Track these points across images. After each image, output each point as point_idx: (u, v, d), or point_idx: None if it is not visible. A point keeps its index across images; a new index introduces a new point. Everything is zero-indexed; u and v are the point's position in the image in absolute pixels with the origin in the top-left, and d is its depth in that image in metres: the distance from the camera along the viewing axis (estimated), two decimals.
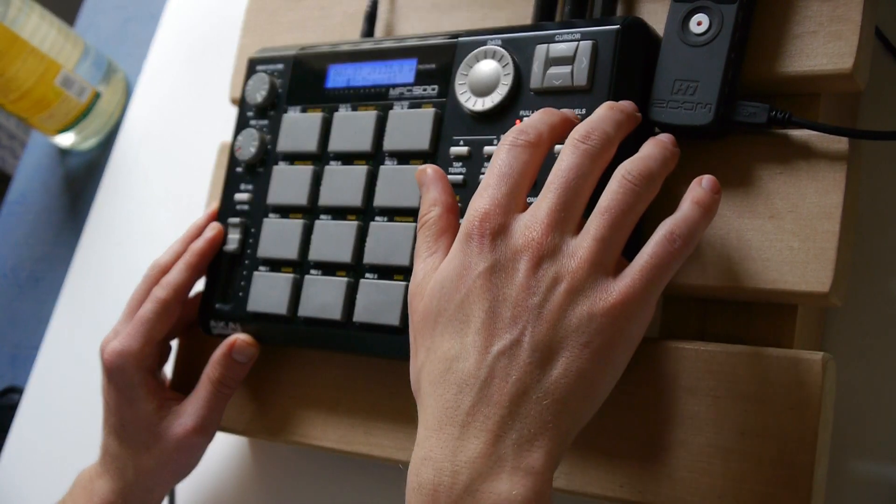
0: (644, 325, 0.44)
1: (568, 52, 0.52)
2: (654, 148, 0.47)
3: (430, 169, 0.51)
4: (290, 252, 0.60)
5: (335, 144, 0.60)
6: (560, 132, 0.48)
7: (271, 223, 0.61)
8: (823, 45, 0.49)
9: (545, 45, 0.53)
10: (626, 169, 0.45)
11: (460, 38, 0.56)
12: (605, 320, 0.43)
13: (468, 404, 0.42)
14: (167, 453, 0.60)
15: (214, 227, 0.63)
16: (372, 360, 0.59)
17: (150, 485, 0.62)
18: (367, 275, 0.56)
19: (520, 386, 0.42)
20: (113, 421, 0.62)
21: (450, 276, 0.45)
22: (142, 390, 0.61)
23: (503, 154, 0.46)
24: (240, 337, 0.61)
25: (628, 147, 0.51)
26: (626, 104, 0.49)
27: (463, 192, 0.54)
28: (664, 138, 0.48)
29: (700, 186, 0.46)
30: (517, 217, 0.45)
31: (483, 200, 0.45)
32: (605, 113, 0.47)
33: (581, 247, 0.44)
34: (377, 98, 0.59)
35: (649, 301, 0.44)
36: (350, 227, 0.58)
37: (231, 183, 0.64)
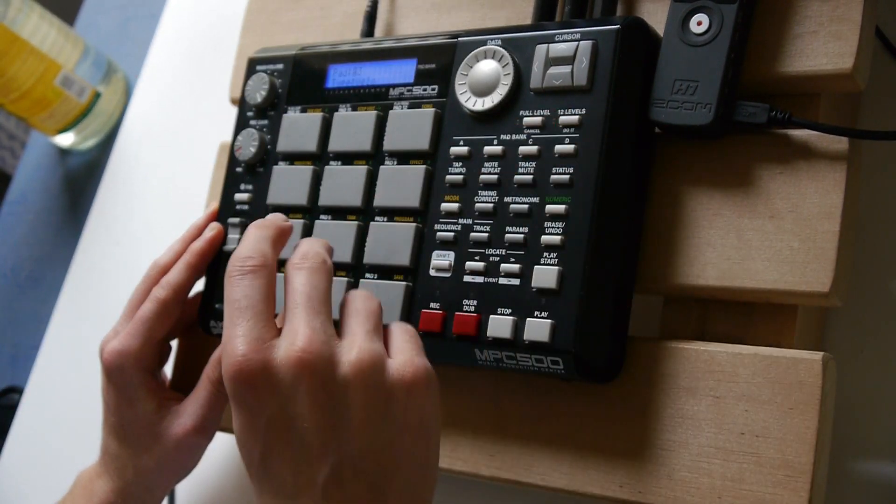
0: (436, 382, 0.45)
1: (568, 51, 0.52)
2: (261, 233, 0.48)
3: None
4: (290, 252, 0.59)
5: (335, 144, 0.60)
6: (280, 242, 0.49)
7: None
8: (823, 45, 0.49)
9: (545, 45, 0.53)
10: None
11: (460, 38, 0.56)
12: (408, 400, 0.43)
13: None
14: (167, 453, 0.60)
15: (214, 227, 0.63)
16: None
17: (149, 485, 0.62)
18: (367, 275, 0.56)
19: (357, 502, 0.41)
20: (112, 421, 0.62)
21: (241, 436, 0.44)
22: (141, 390, 0.61)
23: (234, 286, 0.45)
24: None
25: (637, 155, 0.51)
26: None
27: (463, 192, 0.54)
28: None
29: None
30: (275, 345, 0.43)
31: (234, 345, 0.43)
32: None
33: (351, 343, 0.43)
34: (377, 98, 0.59)
35: (426, 363, 0.45)
36: (350, 227, 0.58)
37: (231, 183, 0.64)
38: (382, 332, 0.46)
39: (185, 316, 0.64)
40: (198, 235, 0.63)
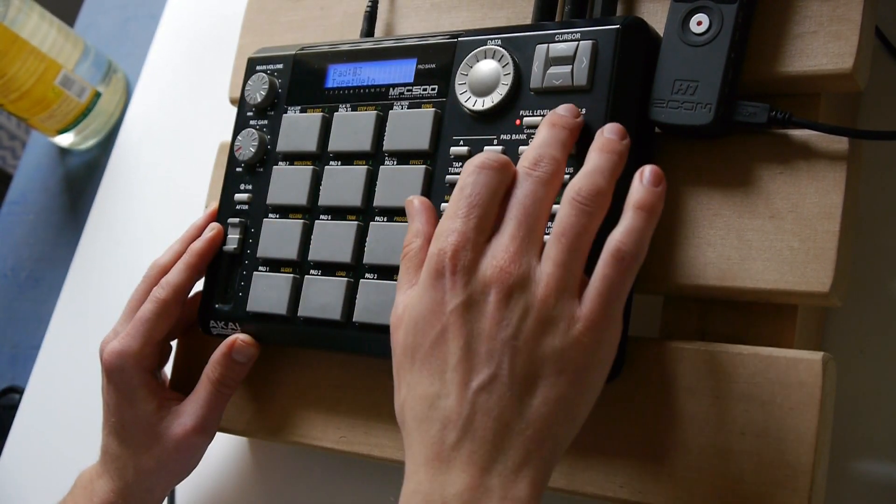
0: (614, 343, 0.45)
1: (568, 51, 0.52)
2: (599, 158, 0.47)
3: (416, 200, 0.51)
4: (290, 252, 0.59)
5: (335, 144, 0.60)
6: (573, 140, 0.49)
7: (271, 223, 0.61)
8: (823, 45, 0.49)
9: (545, 45, 0.53)
10: (576, 189, 0.45)
11: (460, 38, 0.56)
12: (575, 348, 0.44)
13: (453, 440, 0.43)
14: (167, 453, 0.60)
15: (214, 228, 0.63)
16: (372, 360, 0.59)
17: (149, 485, 0.62)
18: (367, 275, 0.56)
19: (502, 420, 0.43)
20: (113, 421, 0.62)
21: (423, 313, 0.45)
22: (141, 391, 0.61)
23: (471, 178, 0.47)
24: (239, 337, 0.61)
25: (637, 155, 0.51)
26: (567, 113, 0.49)
27: None
28: (611, 136, 0.48)
29: (641, 184, 0.46)
30: (484, 249, 0.45)
31: (452, 234, 0.46)
32: (549, 134, 0.48)
33: (545, 273, 0.44)
34: (377, 98, 0.59)
35: (613, 320, 0.45)
36: (350, 227, 0.58)
37: (231, 183, 0.64)
38: (588, 249, 0.46)
39: (185, 316, 0.65)
40: (197, 236, 0.64)
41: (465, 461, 0.42)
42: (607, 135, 0.48)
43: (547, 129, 0.48)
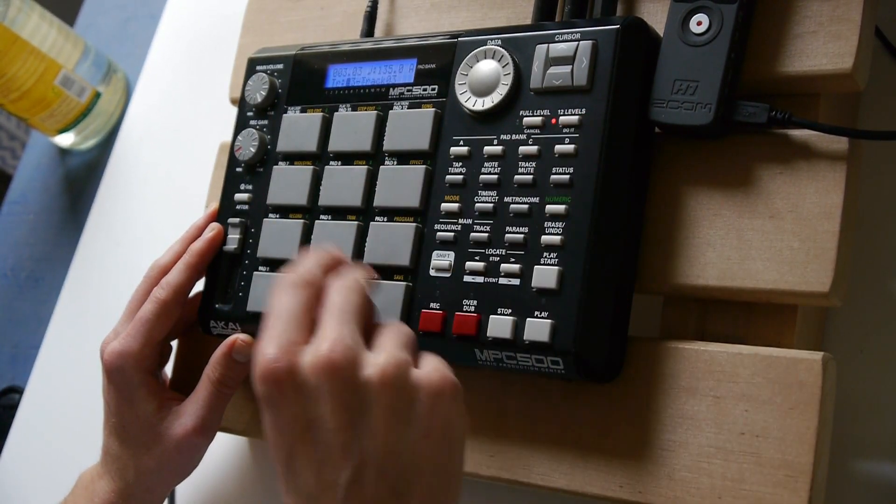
0: (459, 388, 0.45)
1: (568, 51, 0.52)
2: (317, 258, 0.48)
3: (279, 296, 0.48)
4: (290, 252, 0.59)
5: (335, 144, 0.60)
6: (334, 270, 0.49)
7: (271, 223, 0.61)
8: (823, 45, 0.49)
9: (545, 45, 0.53)
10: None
11: (460, 38, 0.56)
12: (433, 406, 0.43)
13: None
14: (168, 454, 0.60)
15: (214, 228, 0.63)
16: None
17: (150, 485, 0.62)
18: None
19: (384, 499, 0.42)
20: (114, 422, 0.62)
21: (269, 436, 0.44)
22: (142, 391, 0.61)
23: (278, 296, 0.46)
24: (240, 337, 0.61)
25: (637, 155, 0.51)
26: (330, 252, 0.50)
27: (463, 191, 0.54)
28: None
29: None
30: (303, 350, 0.44)
31: (266, 347, 0.44)
32: (314, 257, 0.48)
33: (378, 352, 0.44)
34: (377, 98, 0.59)
35: (448, 371, 0.45)
36: (350, 227, 0.58)
37: (231, 183, 0.64)
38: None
39: (186, 316, 0.64)
40: (198, 236, 0.64)
41: None
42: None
43: (314, 254, 0.49)
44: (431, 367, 0.44)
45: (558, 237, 0.50)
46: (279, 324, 0.45)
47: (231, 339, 0.61)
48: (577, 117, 0.51)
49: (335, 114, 0.60)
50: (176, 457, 0.61)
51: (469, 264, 0.53)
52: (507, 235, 0.52)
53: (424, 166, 0.55)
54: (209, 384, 0.61)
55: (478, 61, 0.55)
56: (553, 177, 0.51)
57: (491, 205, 0.53)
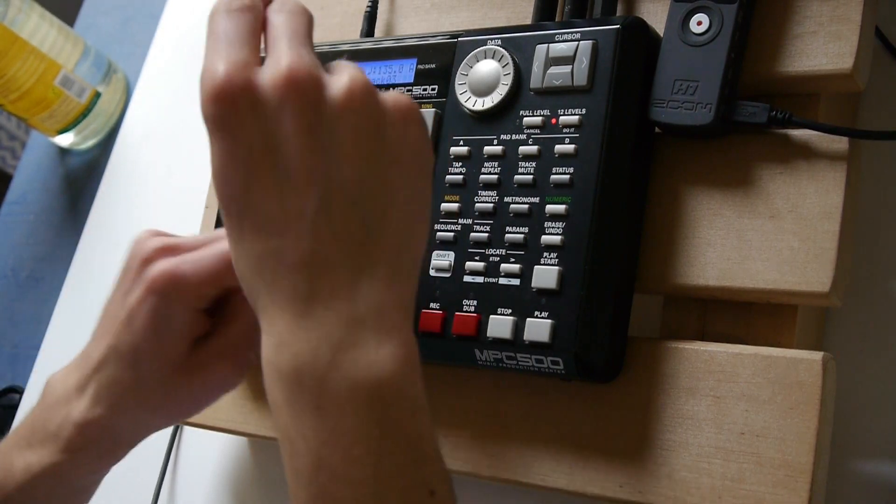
0: (423, 120, 0.41)
1: (568, 51, 0.52)
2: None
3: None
4: None
5: None
6: None
7: None
8: (823, 45, 0.49)
9: (545, 45, 0.53)
10: (276, 5, 0.42)
11: (460, 38, 0.56)
12: (403, 130, 0.39)
13: (307, 283, 0.38)
14: (188, 393, 0.50)
15: None
16: None
17: (148, 421, 0.52)
18: None
19: (351, 242, 0.38)
20: (129, 341, 0.49)
21: (220, 167, 0.39)
22: (182, 327, 0.49)
23: (219, 20, 0.41)
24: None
25: (637, 155, 0.51)
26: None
27: (463, 192, 0.54)
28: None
29: None
30: (259, 69, 0.39)
31: (214, 67, 0.39)
32: None
33: (341, 68, 0.39)
34: None
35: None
36: None
37: None
38: None
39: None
40: None
41: (325, 298, 0.37)
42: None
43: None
44: (396, 93, 0.40)
45: (558, 237, 0.50)
46: (224, 44, 0.40)
47: None
48: (577, 117, 0.51)
49: None
50: (196, 396, 0.51)
51: (469, 264, 0.53)
52: (507, 235, 0.52)
53: None
54: (244, 313, 0.50)
55: (478, 61, 0.55)
56: (553, 177, 0.51)
57: (491, 205, 0.53)
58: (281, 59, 0.39)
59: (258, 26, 0.41)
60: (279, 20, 0.41)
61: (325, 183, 0.38)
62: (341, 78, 0.39)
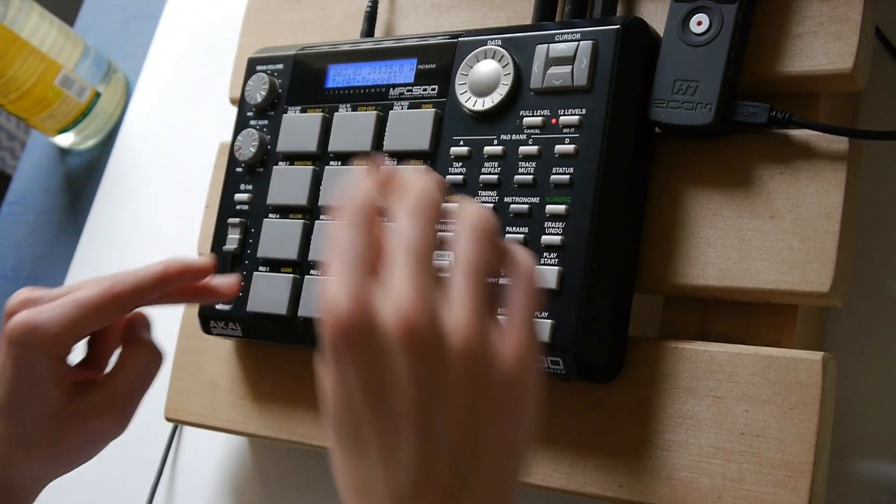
0: (539, 365, 0.41)
1: (568, 51, 0.52)
2: (373, 181, 0.42)
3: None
4: (290, 252, 0.59)
5: (335, 144, 0.60)
6: (390, 189, 0.43)
7: (271, 223, 0.61)
8: (823, 45, 0.49)
9: (545, 45, 0.53)
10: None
11: (460, 38, 0.56)
12: (506, 386, 0.39)
13: None
14: (72, 443, 0.52)
15: (208, 257, 0.55)
16: None
17: (35, 474, 0.53)
18: None
19: (445, 496, 0.38)
20: (2, 397, 0.51)
21: (333, 397, 0.40)
22: (47, 375, 0.51)
23: (340, 233, 0.41)
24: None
25: (637, 155, 0.51)
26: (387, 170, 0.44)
27: (463, 192, 0.54)
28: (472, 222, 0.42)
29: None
30: (379, 306, 0.38)
31: (338, 298, 0.38)
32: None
33: (457, 313, 0.39)
34: (377, 98, 0.59)
35: (536, 341, 0.41)
36: None
37: (231, 183, 0.64)
38: (496, 296, 0.41)
39: (131, 333, 0.56)
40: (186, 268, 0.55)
41: None
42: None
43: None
44: (515, 344, 0.40)
45: (558, 237, 0.50)
46: (347, 267, 0.39)
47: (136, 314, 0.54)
48: (577, 117, 0.51)
49: (335, 114, 0.60)
50: (81, 446, 0.53)
51: None
52: (507, 235, 0.52)
53: (424, 166, 0.55)
54: (130, 368, 0.52)
55: (478, 61, 0.55)
56: (553, 177, 0.51)
57: (491, 205, 0.53)
58: (402, 300, 0.38)
59: (377, 238, 0.41)
60: (403, 226, 0.40)
61: (428, 434, 0.38)
62: (460, 330, 0.38)
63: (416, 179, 0.42)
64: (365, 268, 0.39)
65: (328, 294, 0.39)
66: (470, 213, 0.41)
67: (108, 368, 0.56)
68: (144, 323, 0.56)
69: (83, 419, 0.52)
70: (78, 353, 0.56)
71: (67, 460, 0.54)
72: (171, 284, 0.54)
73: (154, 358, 0.55)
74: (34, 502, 0.56)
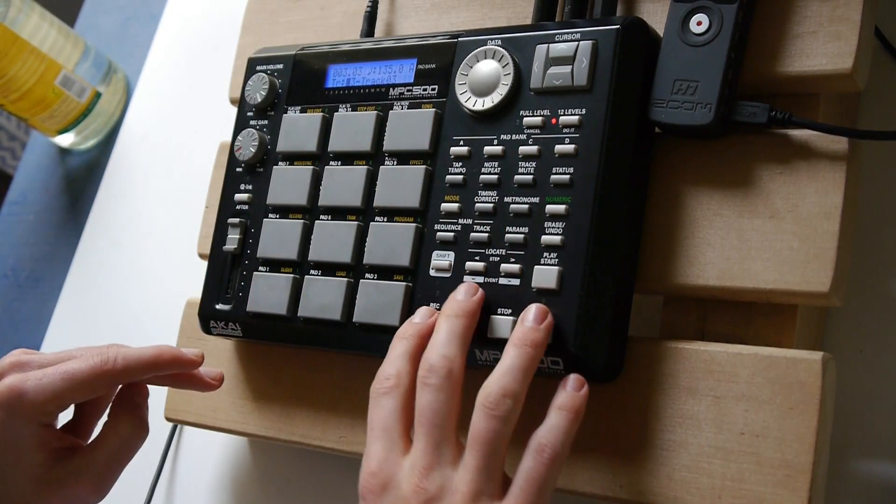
0: None
1: (568, 51, 0.52)
2: (513, 355, 0.47)
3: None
4: (290, 252, 0.59)
5: (335, 144, 0.60)
6: (416, 358, 0.49)
7: (271, 223, 0.61)
8: (823, 45, 0.49)
9: (545, 45, 0.53)
10: (485, 395, 0.46)
11: (460, 38, 0.56)
12: None
13: None
14: None
15: (197, 352, 0.57)
16: (372, 360, 0.59)
17: None
18: (367, 275, 0.56)
19: None
20: None
21: None
22: (31, 441, 0.52)
23: (374, 407, 0.49)
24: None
25: (637, 155, 0.51)
26: (464, 296, 0.50)
27: (463, 192, 0.54)
28: (532, 324, 0.48)
29: (565, 390, 0.47)
30: (401, 466, 0.46)
31: (369, 461, 0.47)
32: (445, 328, 0.49)
33: (462, 482, 0.45)
34: (377, 98, 0.59)
35: None
36: (350, 227, 0.58)
37: (231, 183, 0.64)
38: (505, 452, 0.46)
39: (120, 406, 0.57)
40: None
41: None
42: (528, 324, 0.48)
43: (443, 321, 0.49)
44: (514, 501, 0.45)
45: (558, 237, 0.50)
46: (378, 439, 0.47)
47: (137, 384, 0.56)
48: (577, 117, 0.51)
49: (335, 114, 0.60)
50: None
51: (469, 264, 0.53)
52: (507, 235, 0.52)
53: (424, 166, 0.55)
54: (115, 435, 0.54)
55: (478, 61, 0.55)
56: (553, 177, 0.51)
57: (491, 205, 0.53)
58: (416, 466, 0.46)
59: (406, 407, 0.48)
60: (423, 399, 0.47)
61: None
62: (460, 480, 0.45)
63: (434, 342, 0.49)
64: (390, 435, 0.47)
65: (367, 450, 0.48)
66: (488, 388, 0.47)
67: (94, 436, 0.57)
68: (143, 393, 0.57)
69: (62, 485, 0.53)
70: (66, 414, 0.57)
71: None
72: (160, 371, 0.56)
73: (137, 432, 0.56)
74: None
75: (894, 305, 0.53)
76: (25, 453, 0.53)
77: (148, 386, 0.58)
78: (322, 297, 0.58)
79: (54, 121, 0.89)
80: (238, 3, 0.78)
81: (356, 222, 0.57)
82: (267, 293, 0.60)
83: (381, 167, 0.57)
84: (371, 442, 0.48)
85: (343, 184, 0.59)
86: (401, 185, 0.56)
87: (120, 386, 0.57)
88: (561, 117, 0.51)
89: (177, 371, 0.56)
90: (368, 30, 0.66)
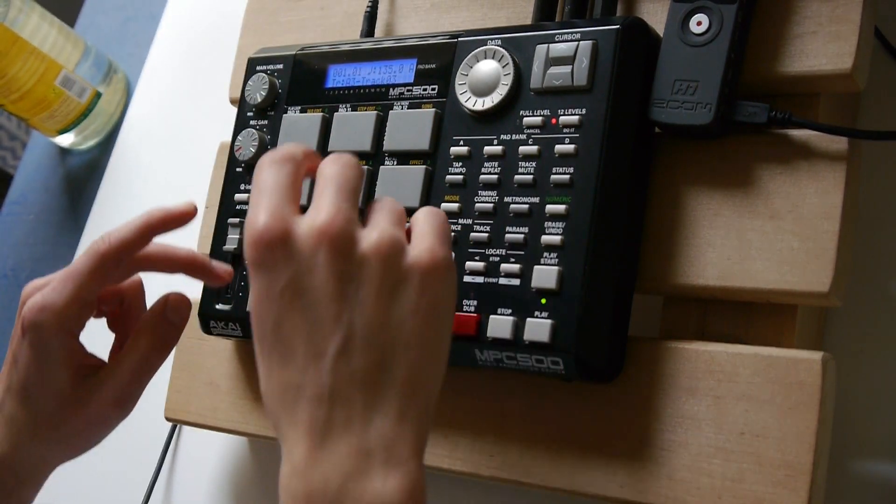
0: (454, 269, 0.45)
1: (568, 51, 0.52)
2: (294, 145, 0.47)
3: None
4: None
5: (335, 144, 0.60)
6: (310, 157, 0.48)
7: None
8: (823, 45, 0.49)
9: (545, 45, 0.53)
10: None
11: (460, 38, 0.56)
12: (422, 285, 0.43)
13: (324, 416, 0.42)
14: (75, 426, 0.55)
15: (188, 203, 0.56)
16: None
17: (45, 454, 0.56)
18: None
19: (366, 381, 0.42)
20: (18, 379, 0.54)
21: (256, 304, 0.44)
22: (59, 354, 0.54)
23: (263, 172, 0.46)
24: (171, 295, 0.56)
25: (637, 155, 0.51)
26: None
27: (463, 192, 0.54)
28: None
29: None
30: (297, 219, 0.44)
31: (257, 217, 0.44)
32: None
33: (374, 224, 0.44)
34: (377, 98, 0.59)
35: (447, 247, 0.45)
36: None
37: (231, 183, 0.64)
38: (406, 226, 0.46)
39: (129, 287, 0.59)
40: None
41: (339, 431, 0.41)
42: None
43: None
44: (424, 247, 0.44)
45: (558, 237, 0.50)
46: (267, 195, 0.44)
47: (163, 298, 0.57)
48: (577, 117, 0.51)
49: (335, 114, 0.60)
50: (84, 430, 0.55)
51: (469, 264, 0.53)
52: (507, 235, 0.52)
53: (424, 166, 0.55)
54: (136, 351, 0.55)
55: (478, 61, 0.55)
56: (553, 177, 0.51)
57: (491, 205, 0.53)
58: (320, 211, 0.43)
59: (299, 177, 0.46)
60: (329, 171, 0.46)
61: (347, 327, 0.42)
62: (372, 234, 0.44)
63: (342, 153, 0.47)
64: (285, 197, 0.44)
65: (248, 219, 0.44)
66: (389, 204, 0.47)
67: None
68: (176, 306, 0.57)
69: (85, 403, 0.54)
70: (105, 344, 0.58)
71: (71, 444, 0.56)
72: (155, 233, 0.55)
73: (158, 349, 0.56)
74: (38, 493, 0.58)
75: (894, 305, 0.53)
76: (53, 368, 0.54)
77: (189, 299, 0.57)
78: None
79: (54, 121, 0.89)
80: (238, 3, 0.78)
81: None
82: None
83: (381, 167, 0.57)
84: (258, 202, 0.44)
85: None
86: (401, 184, 0.56)
87: (138, 273, 0.58)
88: (561, 117, 0.51)
89: (173, 228, 0.56)
90: (368, 30, 0.66)
